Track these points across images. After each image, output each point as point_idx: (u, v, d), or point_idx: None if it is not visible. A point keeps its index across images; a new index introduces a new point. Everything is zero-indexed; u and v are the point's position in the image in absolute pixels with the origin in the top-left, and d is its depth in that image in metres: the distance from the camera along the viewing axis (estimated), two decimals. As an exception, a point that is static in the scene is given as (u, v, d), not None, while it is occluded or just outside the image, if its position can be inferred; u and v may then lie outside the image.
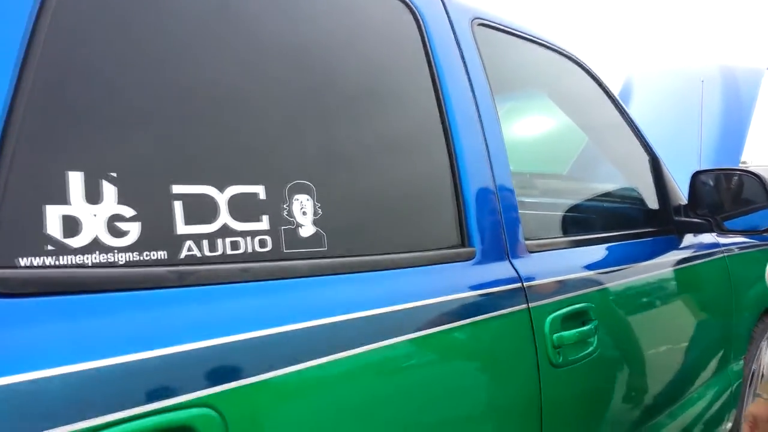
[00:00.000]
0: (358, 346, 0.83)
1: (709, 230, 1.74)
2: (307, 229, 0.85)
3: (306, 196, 0.86)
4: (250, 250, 0.78)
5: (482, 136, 1.18)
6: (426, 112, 1.12)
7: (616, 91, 1.80)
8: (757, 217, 1.73)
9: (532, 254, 1.22)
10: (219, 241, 0.75)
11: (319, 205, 0.87)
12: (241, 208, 0.78)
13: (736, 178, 1.75)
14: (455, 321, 0.98)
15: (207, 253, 0.74)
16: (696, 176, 1.78)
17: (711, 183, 1.77)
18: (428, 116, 1.11)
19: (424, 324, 0.93)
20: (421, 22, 1.16)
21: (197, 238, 0.73)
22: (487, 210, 1.14)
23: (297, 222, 0.84)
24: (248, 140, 0.82)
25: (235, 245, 0.76)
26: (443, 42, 1.19)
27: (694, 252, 1.79)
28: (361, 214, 0.94)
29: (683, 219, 1.75)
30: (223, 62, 0.82)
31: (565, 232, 1.49)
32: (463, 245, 1.09)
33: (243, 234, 0.77)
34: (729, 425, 1.93)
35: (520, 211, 1.25)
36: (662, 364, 1.57)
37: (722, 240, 1.95)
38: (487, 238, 1.13)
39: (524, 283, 1.14)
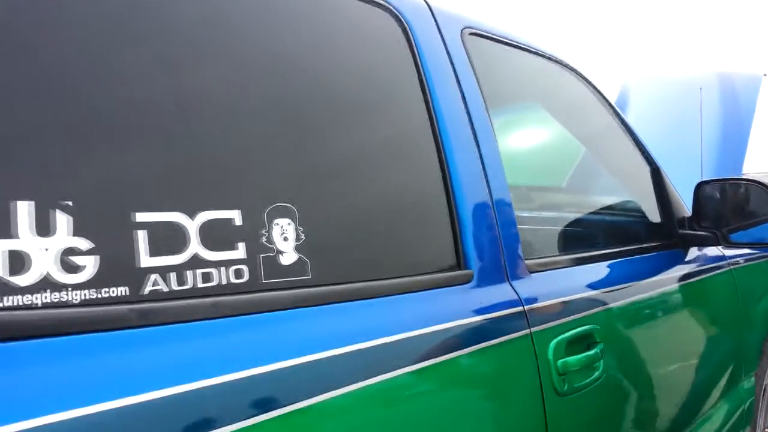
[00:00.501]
0: (348, 384, 0.75)
1: (715, 243, 1.68)
2: (288, 257, 0.78)
3: (287, 220, 0.79)
4: (224, 281, 0.71)
5: (477, 150, 1.11)
6: (417, 126, 1.05)
7: (612, 101, 1.74)
8: (764, 228, 1.67)
9: (533, 274, 1.15)
10: (188, 274, 0.68)
11: (302, 229, 0.80)
12: (214, 235, 0.71)
13: (741, 188, 1.69)
14: (453, 351, 0.90)
15: (175, 287, 0.67)
16: (700, 187, 1.72)
17: (716, 194, 1.70)
18: (419, 131, 1.05)
19: (420, 356, 0.86)
20: (410, 33, 1.10)
21: (163, 271, 0.66)
22: (484, 229, 1.07)
23: (277, 249, 0.77)
24: (222, 160, 0.75)
25: (207, 277, 0.69)
26: (433, 53, 1.13)
27: (700, 266, 1.72)
28: (349, 238, 0.87)
29: (688, 232, 1.69)
30: (194, 72, 0.76)
31: (567, 249, 1.42)
32: (459, 267, 1.02)
33: (216, 264, 0.70)
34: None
35: (519, 229, 1.18)
36: (672, 385, 1.49)
37: (728, 252, 1.89)
38: (485, 260, 1.06)
39: (525, 307, 1.07)
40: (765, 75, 4.67)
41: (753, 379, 1.93)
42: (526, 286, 1.11)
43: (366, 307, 0.84)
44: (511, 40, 1.43)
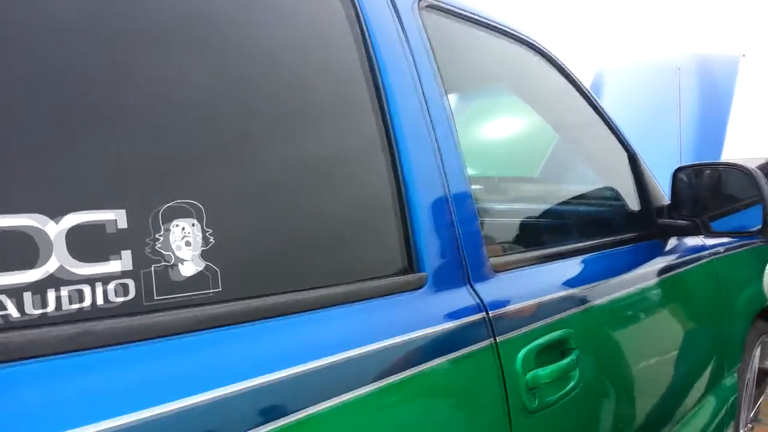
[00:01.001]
0: (267, 423, 0.61)
1: (695, 233, 1.56)
2: (191, 266, 0.63)
3: (190, 221, 0.64)
4: (99, 302, 0.56)
5: (432, 138, 0.97)
6: (361, 111, 0.90)
7: (586, 85, 1.61)
8: (745, 215, 1.56)
9: (498, 275, 1.01)
10: (49, 294, 0.53)
11: (210, 231, 0.65)
12: (86, 243, 0.55)
13: (721, 173, 1.57)
14: (400, 371, 0.77)
15: (29, 311, 0.52)
16: (677, 173, 1.60)
17: (694, 180, 1.58)
18: (364, 116, 0.90)
19: (362, 380, 0.72)
20: (356, 4, 0.95)
21: (12, 293, 0.51)
22: (439, 226, 0.93)
23: (176, 257, 0.62)
24: (98, 144, 0.60)
25: (74, 298, 0.54)
26: (383, 28, 0.98)
27: (680, 257, 1.60)
28: (272, 241, 0.73)
29: (666, 221, 1.57)
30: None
31: (538, 244, 1.29)
32: (410, 271, 0.88)
33: (88, 281, 0.55)
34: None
35: (483, 225, 1.05)
36: (653, 388, 1.37)
37: (709, 241, 1.77)
38: (440, 261, 0.92)
39: (489, 312, 0.93)
40: (743, 55, 4.58)
41: (735, 375, 1.83)
42: (490, 289, 0.97)
43: (293, 324, 0.70)
44: (475, 16, 1.29)
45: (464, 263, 0.95)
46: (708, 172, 1.63)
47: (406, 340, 0.80)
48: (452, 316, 0.88)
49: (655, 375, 1.39)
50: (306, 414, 0.64)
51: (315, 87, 0.85)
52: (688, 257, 1.63)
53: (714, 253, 1.77)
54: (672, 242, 1.60)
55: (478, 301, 0.93)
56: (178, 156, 0.66)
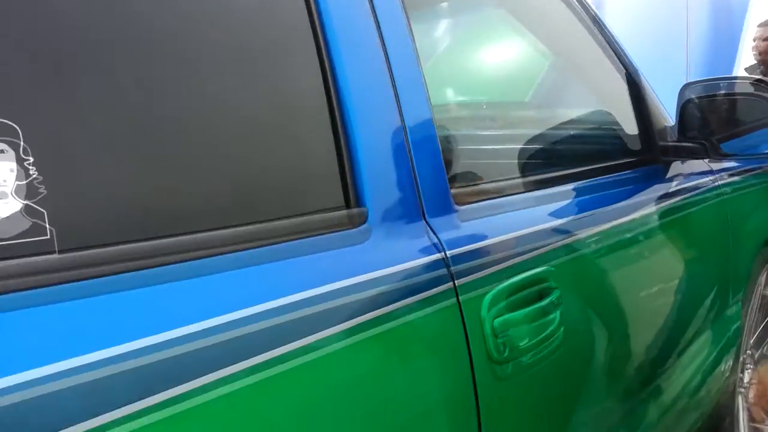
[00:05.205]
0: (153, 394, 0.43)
1: (703, 155, 1.31)
2: (4, 208, 0.43)
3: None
4: None
5: (380, 47, 0.74)
6: (283, 9, 0.68)
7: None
8: (762, 135, 1.31)
9: (463, 208, 0.81)
10: None
11: (33, 161, 0.45)
12: None
13: (735, 89, 1.31)
14: (331, 326, 0.57)
15: None
16: (684, 90, 1.34)
17: (704, 98, 1.32)
18: (288, 12, 0.68)
19: (282, 338, 0.53)
20: None
21: None
22: (387, 151, 0.72)
23: (-23, 195, 0.42)
24: None
25: None
26: None
27: (684, 184, 1.36)
28: (141, 165, 0.52)
29: (670, 144, 1.32)
30: None
31: (513, 172, 1.06)
32: (348, 205, 0.68)
33: None
34: (726, 374, 1.55)
35: (447, 150, 0.83)
36: (650, 328, 1.17)
37: (715, 166, 1.52)
38: (388, 192, 0.71)
39: (447, 252, 0.73)
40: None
41: (739, 304, 1.61)
42: (451, 225, 0.77)
43: (173, 276, 0.50)
44: None
45: (418, 195, 0.74)
46: (720, 88, 1.37)
47: (342, 287, 0.60)
48: (399, 258, 0.68)
49: (654, 313, 1.18)
50: (200, 383, 0.46)
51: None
52: (692, 183, 1.39)
53: (721, 179, 1.52)
54: (675, 167, 1.36)
55: (434, 239, 0.73)
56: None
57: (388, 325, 0.63)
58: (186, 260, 0.51)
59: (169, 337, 0.46)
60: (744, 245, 1.58)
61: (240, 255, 0.55)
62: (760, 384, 1.17)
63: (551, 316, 0.84)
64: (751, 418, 1.87)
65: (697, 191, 1.39)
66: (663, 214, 1.22)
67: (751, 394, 1.19)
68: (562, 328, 0.85)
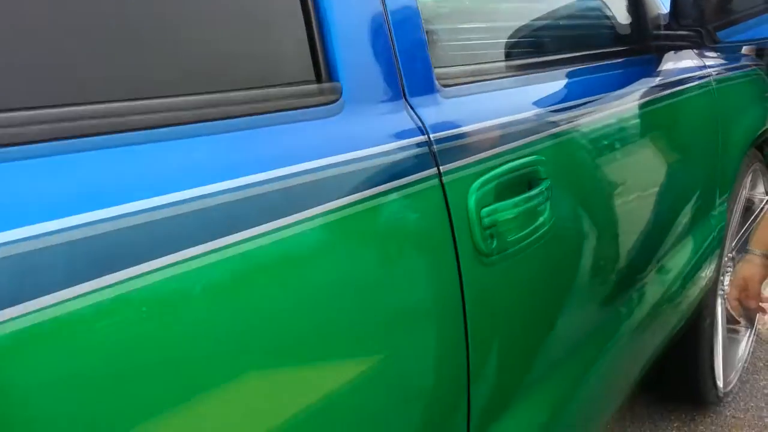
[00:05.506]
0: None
1: (698, 44, 1.24)
2: None
3: None
4: None
5: None
6: None
7: None
8: (758, 22, 1.23)
9: (448, 89, 0.73)
10: None
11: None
12: None
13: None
14: (299, 211, 0.51)
15: None
16: (679, -25, 1.24)
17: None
18: None
19: (236, 225, 0.46)
20: None
21: None
22: (363, 23, 0.63)
23: None
24: None
25: None
26: None
27: (675, 76, 1.29)
28: (104, 30, 0.44)
29: (663, 32, 1.24)
30: None
31: (502, 54, 0.98)
32: (319, 79, 0.60)
33: None
34: (711, 275, 1.54)
35: (430, 25, 0.74)
36: (640, 223, 1.13)
37: (708, 60, 1.45)
38: (364, 68, 0.63)
39: (431, 136, 0.66)
40: None
41: (725, 205, 1.59)
42: (435, 106, 0.70)
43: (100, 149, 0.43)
44: None
45: (398, 72, 0.66)
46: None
47: (306, 169, 0.53)
48: (376, 138, 0.61)
49: (642, 206, 1.14)
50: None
51: None
52: (684, 76, 1.32)
53: (713, 73, 1.45)
54: (668, 58, 1.28)
55: (417, 121, 0.66)
56: None
57: (358, 208, 0.56)
58: (146, 126, 0.44)
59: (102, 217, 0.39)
60: (732, 144, 1.53)
61: (196, 126, 0.48)
62: (741, 279, 1.15)
63: (541, 207, 0.79)
64: (729, 320, 1.90)
65: (689, 84, 1.32)
66: (654, 106, 1.16)
67: (731, 291, 1.18)
68: (552, 220, 0.80)
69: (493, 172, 0.72)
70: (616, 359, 1.09)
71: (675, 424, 1.70)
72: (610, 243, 1.02)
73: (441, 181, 0.65)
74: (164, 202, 0.42)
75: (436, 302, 0.66)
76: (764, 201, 2.01)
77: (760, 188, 1.99)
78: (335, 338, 0.54)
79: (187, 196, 0.44)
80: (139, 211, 0.41)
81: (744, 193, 1.84)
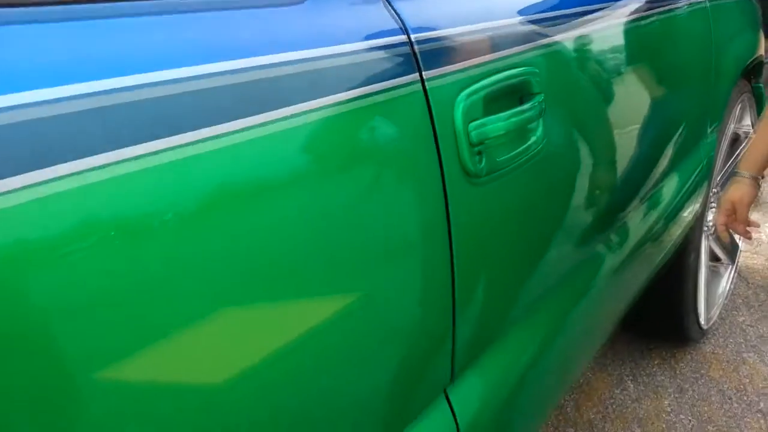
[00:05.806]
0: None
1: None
2: None
3: None
4: None
5: None
6: None
7: None
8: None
9: (431, -14, 0.63)
10: None
11: None
12: None
13: None
14: (256, 113, 0.43)
15: None
16: None
17: None
18: None
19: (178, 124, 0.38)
20: None
21: None
22: None
23: None
24: None
25: None
26: None
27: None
28: None
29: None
30: None
31: None
32: (278, -38, 0.50)
33: None
34: (698, 207, 1.49)
35: None
36: (633, 149, 1.06)
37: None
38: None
39: (411, 36, 0.57)
40: None
41: (716, 134, 1.53)
42: (417, 2, 0.60)
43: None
44: None
45: (373, -40, 0.57)
46: None
47: (259, 64, 0.44)
48: (347, 35, 0.52)
49: (638, 130, 1.07)
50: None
51: None
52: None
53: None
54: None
55: (396, 19, 0.57)
56: None
57: (325, 114, 0.48)
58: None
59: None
60: (725, 69, 1.46)
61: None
62: (729, 202, 1.11)
63: (533, 125, 0.71)
64: (711, 258, 1.88)
65: (684, 4, 1.23)
66: (652, 23, 1.07)
67: (719, 217, 1.13)
68: (545, 140, 0.73)
69: (482, 82, 0.63)
70: (605, 291, 1.04)
71: (656, 362, 1.69)
72: (604, 166, 0.95)
73: (424, 87, 0.56)
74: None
75: (419, 227, 0.58)
76: (749, 134, 1.96)
77: (746, 121, 1.94)
78: (306, 269, 0.47)
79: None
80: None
81: (732, 126, 1.79)
